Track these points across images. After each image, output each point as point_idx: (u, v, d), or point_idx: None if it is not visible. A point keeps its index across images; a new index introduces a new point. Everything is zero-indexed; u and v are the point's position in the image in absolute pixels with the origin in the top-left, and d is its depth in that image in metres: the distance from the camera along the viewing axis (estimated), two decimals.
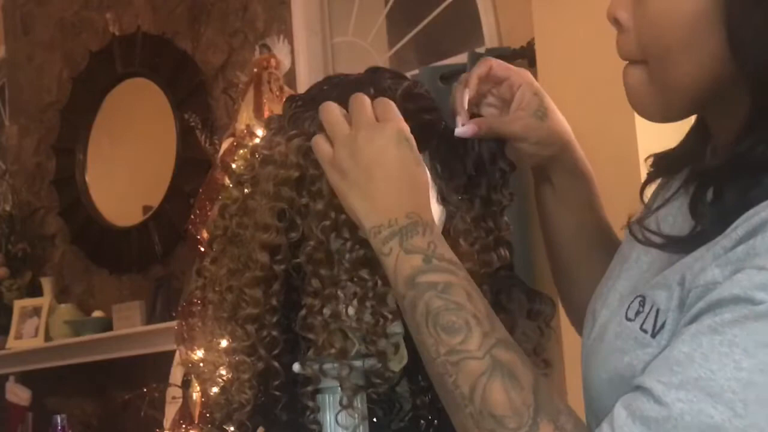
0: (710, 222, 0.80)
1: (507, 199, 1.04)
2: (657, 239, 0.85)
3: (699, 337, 0.73)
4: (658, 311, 0.81)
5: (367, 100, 0.94)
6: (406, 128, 0.92)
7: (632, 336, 0.82)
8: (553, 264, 1.14)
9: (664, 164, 0.97)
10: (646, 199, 0.98)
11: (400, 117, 0.93)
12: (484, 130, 1.00)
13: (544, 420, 0.78)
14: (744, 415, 0.70)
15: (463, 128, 0.99)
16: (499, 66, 1.04)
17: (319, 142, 0.94)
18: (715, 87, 0.82)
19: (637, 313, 0.83)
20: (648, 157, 1.00)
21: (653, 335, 0.80)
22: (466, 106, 1.01)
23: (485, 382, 0.79)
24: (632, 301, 0.85)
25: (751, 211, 0.76)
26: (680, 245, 0.82)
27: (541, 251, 1.19)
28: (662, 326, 0.80)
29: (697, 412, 0.71)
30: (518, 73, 1.04)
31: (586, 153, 1.11)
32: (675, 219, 0.89)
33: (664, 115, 0.87)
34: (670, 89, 0.84)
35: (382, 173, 0.89)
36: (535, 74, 1.07)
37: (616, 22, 0.87)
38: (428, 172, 0.96)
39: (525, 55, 2.57)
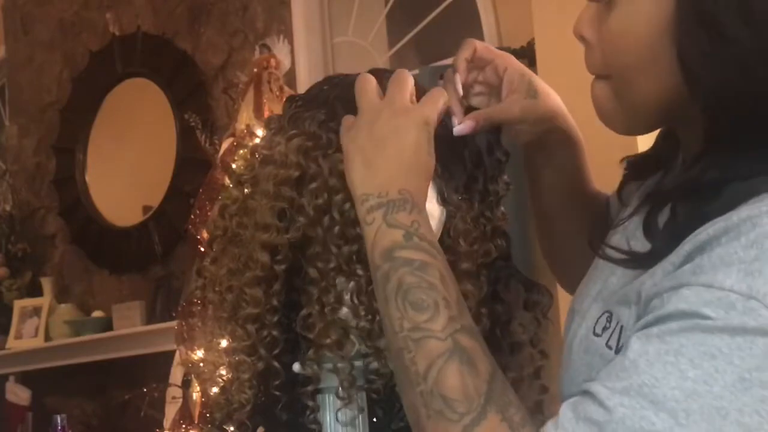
0: (664, 240, 0.80)
1: (504, 189, 1.04)
2: (617, 255, 0.85)
3: (645, 345, 0.73)
4: (622, 328, 0.82)
5: (409, 82, 0.94)
6: (434, 120, 0.93)
7: (598, 352, 0.83)
8: (539, 222, 1.15)
9: (638, 167, 0.99)
10: (625, 201, 0.99)
11: (437, 108, 0.93)
12: (481, 123, 1.00)
13: (493, 410, 0.77)
14: (686, 425, 0.70)
15: (460, 126, 0.99)
16: (483, 48, 1.04)
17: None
18: (676, 103, 0.82)
19: (604, 328, 0.84)
20: (622, 159, 1.01)
21: (617, 351, 0.81)
22: (460, 103, 1.00)
23: (442, 363, 0.79)
24: (600, 316, 0.86)
25: (700, 228, 0.76)
26: (639, 262, 0.83)
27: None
28: (624, 344, 0.80)
29: (639, 419, 0.71)
30: (502, 56, 1.04)
31: (587, 154, 1.12)
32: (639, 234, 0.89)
33: (628, 128, 0.89)
34: (632, 104, 0.85)
35: (393, 150, 0.90)
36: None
37: (582, 38, 0.89)
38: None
39: (525, 55, 2.56)
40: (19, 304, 4.40)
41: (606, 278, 0.90)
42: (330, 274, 0.94)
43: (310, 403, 0.97)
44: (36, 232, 4.62)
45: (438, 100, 0.94)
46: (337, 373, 0.95)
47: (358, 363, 0.96)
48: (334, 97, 0.98)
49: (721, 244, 0.74)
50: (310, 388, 0.97)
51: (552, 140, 1.06)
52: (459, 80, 1.01)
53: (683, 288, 0.74)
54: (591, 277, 0.95)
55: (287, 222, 0.95)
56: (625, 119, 0.87)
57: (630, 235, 0.88)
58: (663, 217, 0.83)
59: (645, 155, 0.98)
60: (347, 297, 0.94)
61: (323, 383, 0.98)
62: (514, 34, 2.75)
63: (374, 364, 0.96)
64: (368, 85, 0.95)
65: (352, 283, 0.94)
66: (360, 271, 0.93)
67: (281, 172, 0.96)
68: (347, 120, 0.94)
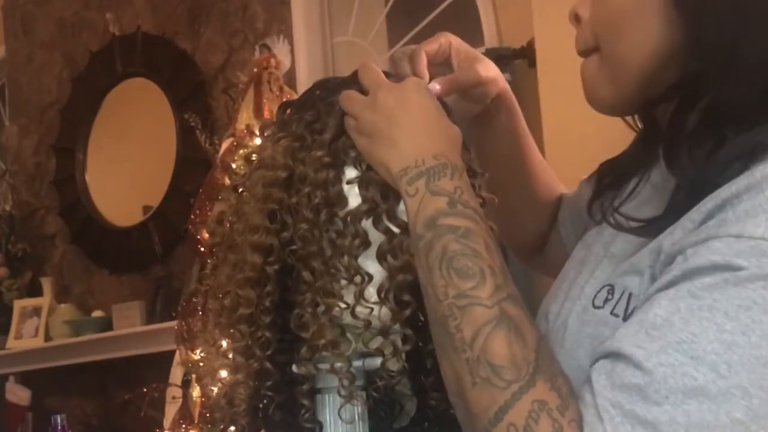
0: (684, 193, 0.81)
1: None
2: (633, 224, 0.85)
3: (676, 302, 0.73)
4: (630, 296, 0.82)
5: (375, 66, 0.95)
6: (424, 83, 0.94)
7: (602, 321, 0.83)
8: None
9: (614, 172, 0.98)
10: (594, 216, 0.97)
11: (378, 74, 0.95)
12: (446, 87, 1.00)
13: (542, 378, 0.77)
14: (728, 376, 0.70)
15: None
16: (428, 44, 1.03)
17: (347, 116, 0.95)
18: (662, 66, 0.83)
19: (606, 300, 0.84)
20: (593, 173, 1.01)
21: (625, 318, 0.81)
22: (425, 68, 0.99)
23: (489, 331, 0.78)
24: (599, 291, 0.86)
25: (722, 187, 0.77)
26: (655, 225, 0.83)
27: None
28: (634, 309, 0.80)
29: (681, 375, 0.71)
30: (441, 36, 1.04)
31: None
32: (645, 207, 0.89)
33: (615, 103, 0.89)
34: (620, 69, 0.86)
35: (405, 117, 0.90)
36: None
37: (576, 18, 0.90)
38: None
39: (525, 55, 2.56)
40: (19, 304, 4.41)
41: (596, 264, 0.90)
42: (324, 275, 0.94)
43: (306, 402, 0.97)
44: (36, 232, 4.63)
45: (373, 71, 0.95)
46: (336, 372, 0.95)
47: (357, 363, 0.96)
48: (319, 99, 0.99)
49: (744, 200, 0.75)
50: (305, 387, 0.97)
51: (498, 107, 1.08)
52: (424, 59, 1.00)
53: (712, 240, 0.74)
54: (571, 276, 0.95)
55: (278, 223, 0.96)
56: (612, 92, 0.87)
57: (633, 211, 0.88)
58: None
59: (621, 158, 0.98)
60: (343, 294, 0.94)
61: (323, 383, 0.98)
62: (514, 34, 2.75)
63: (374, 363, 0.96)
64: (351, 93, 0.95)
65: (349, 283, 0.94)
66: (358, 272, 0.93)
67: (269, 174, 0.96)
68: (349, 126, 0.94)
